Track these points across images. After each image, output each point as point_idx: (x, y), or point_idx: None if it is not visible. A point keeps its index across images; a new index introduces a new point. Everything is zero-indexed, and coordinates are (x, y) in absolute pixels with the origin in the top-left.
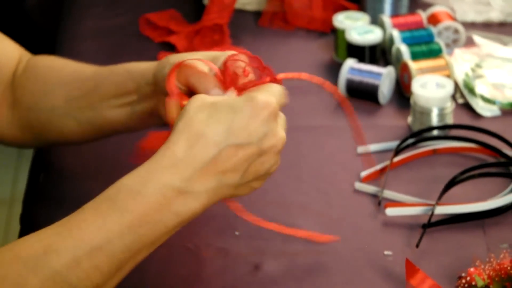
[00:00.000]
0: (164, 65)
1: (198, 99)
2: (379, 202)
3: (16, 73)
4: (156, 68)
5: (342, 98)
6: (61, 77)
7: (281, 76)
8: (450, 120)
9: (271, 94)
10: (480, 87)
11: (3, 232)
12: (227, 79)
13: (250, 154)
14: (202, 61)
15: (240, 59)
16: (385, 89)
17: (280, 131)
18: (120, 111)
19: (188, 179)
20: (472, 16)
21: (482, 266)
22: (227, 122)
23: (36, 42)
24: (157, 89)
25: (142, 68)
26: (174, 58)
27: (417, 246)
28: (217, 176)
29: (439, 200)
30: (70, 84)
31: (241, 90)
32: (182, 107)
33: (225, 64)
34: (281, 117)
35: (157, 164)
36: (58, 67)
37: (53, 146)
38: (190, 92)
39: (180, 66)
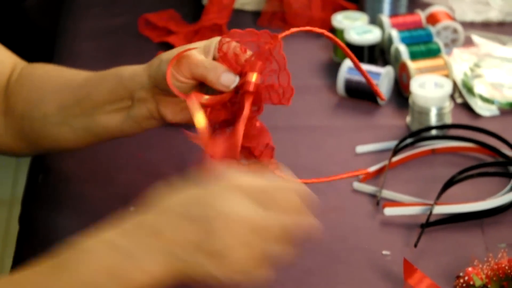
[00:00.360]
0: (159, 64)
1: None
2: (378, 201)
3: (10, 80)
4: (150, 69)
5: (333, 37)
6: (54, 85)
7: (280, 36)
8: (448, 120)
9: (258, 180)
10: (479, 87)
11: (3, 233)
12: (231, 61)
13: (197, 228)
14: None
15: (233, 40)
16: (384, 89)
17: (238, 215)
18: (115, 117)
19: (131, 240)
20: (471, 15)
21: (480, 266)
22: (188, 194)
23: (35, 42)
24: (155, 91)
25: (132, 73)
26: (167, 56)
27: (415, 245)
28: (164, 245)
29: (438, 200)
30: (63, 92)
31: (246, 66)
32: (200, 104)
33: (220, 49)
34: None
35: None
36: (52, 75)
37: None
38: (200, 83)
39: (178, 59)
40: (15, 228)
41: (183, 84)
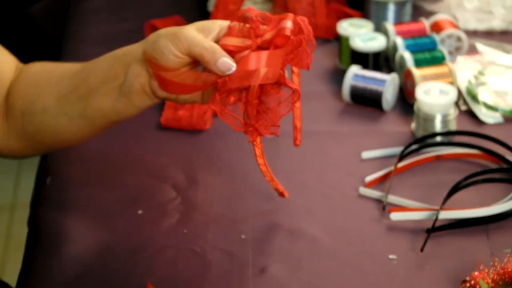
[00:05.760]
0: (156, 38)
1: None
2: (384, 207)
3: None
4: (146, 44)
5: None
6: (51, 77)
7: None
8: (453, 127)
9: None
10: (483, 94)
11: (5, 238)
12: (240, 32)
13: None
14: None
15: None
16: (389, 96)
17: None
18: (109, 96)
19: None
20: (474, 24)
21: (486, 270)
22: None
23: (41, 48)
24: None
25: (126, 49)
26: (165, 31)
27: (422, 250)
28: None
29: (443, 205)
30: (60, 83)
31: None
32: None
33: (236, 17)
34: None
35: None
36: (47, 69)
37: (52, 152)
38: (193, 61)
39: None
40: (16, 233)
41: (178, 59)
